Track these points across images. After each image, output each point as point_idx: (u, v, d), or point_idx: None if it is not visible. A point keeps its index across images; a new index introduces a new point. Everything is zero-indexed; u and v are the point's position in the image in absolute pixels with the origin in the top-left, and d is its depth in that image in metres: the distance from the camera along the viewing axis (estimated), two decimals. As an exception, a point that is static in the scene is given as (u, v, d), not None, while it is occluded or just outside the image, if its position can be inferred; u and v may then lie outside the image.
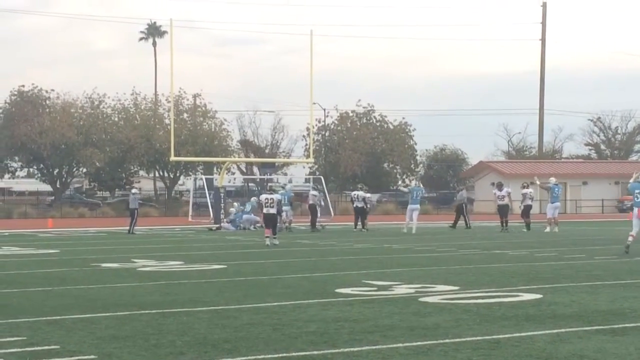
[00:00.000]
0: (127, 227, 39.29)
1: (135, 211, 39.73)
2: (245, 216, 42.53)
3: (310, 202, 40.05)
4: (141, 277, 18.09)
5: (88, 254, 25.16)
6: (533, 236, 33.70)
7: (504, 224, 37.99)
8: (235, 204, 45.26)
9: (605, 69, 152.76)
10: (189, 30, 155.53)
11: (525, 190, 39.64)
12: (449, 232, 37.13)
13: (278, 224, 31.13)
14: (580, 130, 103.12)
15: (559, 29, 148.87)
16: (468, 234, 36.18)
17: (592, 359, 9.02)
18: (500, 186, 40.61)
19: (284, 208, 39.10)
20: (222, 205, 44.92)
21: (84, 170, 76.46)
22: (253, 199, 43.98)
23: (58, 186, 74.94)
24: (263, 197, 30.70)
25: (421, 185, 45.04)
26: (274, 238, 28.78)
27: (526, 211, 39.19)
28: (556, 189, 38.20)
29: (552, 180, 38.91)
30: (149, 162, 75.48)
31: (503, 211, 38.61)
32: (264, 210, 29.41)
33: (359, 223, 39.06)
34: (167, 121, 71.65)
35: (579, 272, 18.43)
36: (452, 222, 41.45)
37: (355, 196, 40.16)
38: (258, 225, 40.45)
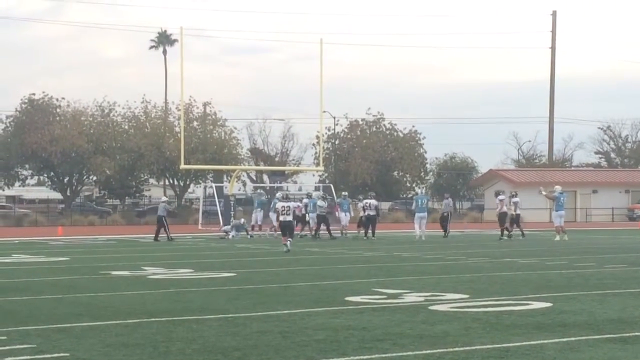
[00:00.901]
0: (153, 235, 39.67)
1: (163, 219, 39.67)
2: (234, 221, 42.53)
3: (317, 212, 40.07)
4: (151, 285, 18.11)
5: (98, 262, 25.20)
6: (543, 245, 33.60)
7: (502, 232, 38.00)
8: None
9: (615, 77, 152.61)
10: (199, 38, 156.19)
11: (515, 199, 39.63)
12: (458, 240, 37.05)
13: (305, 232, 32.68)
14: (590, 139, 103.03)
15: (569, 37, 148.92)
16: (474, 242, 36.10)
17: (602, 368, 9.00)
18: (497, 194, 40.82)
19: (310, 215, 39.56)
20: (232, 213, 44.99)
21: (94, 178, 76.65)
22: (264, 197, 43.92)
23: (68, 194, 75.10)
24: (279, 205, 31.73)
25: (424, 193, 45.23)
26: (287, 245, 29.55)
27: (514, 219, 39.21)
28: (562, 198, 38.28)
29: (558, 188, 38.92)
30: (159, 170, 75.56)
31: (500, 219, 38.61)
32: (281, 218, 30.57)
33: (369, 231, 38.99)
34: (177, 129, 71.75)
35: (589, 281, 18.39)
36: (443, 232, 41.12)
37: (368, 204, 40.04)
38: (246, 230, 41.01)
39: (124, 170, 73.76)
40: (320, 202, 40.43)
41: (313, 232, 40.37)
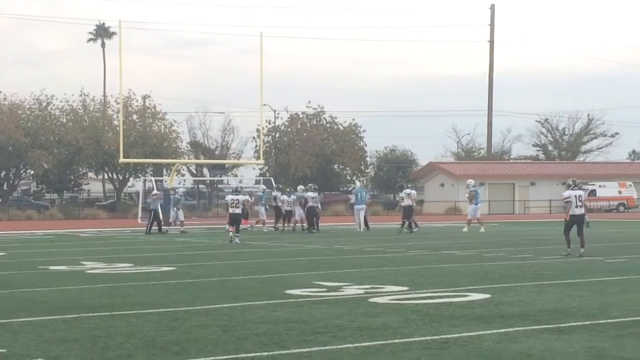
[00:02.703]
0: (144, 228, 40.27)
1: (153, 212, 40.16)
2: (172, 213, 42.20)
3: (310, 204, 39.88)
4: (90, 280, 17.96)
5: (36, 257, 24.90)
6: (483, 237, 33.87)
7: (403, 225, 38.11)
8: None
9: (553, 70, 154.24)
10: (139, 31, 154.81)
11: (409, 191, 39.89)
12: (399, 233, 37.19)
13: (292, 225, 36.93)
14: (528, 132, 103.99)
15: (508, 31, 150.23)
16: (417, 235, 36.29)
17: (540, 358, 9.10)
18: (403, 187, 41.22)
19: (295, 209, 39.41)
20: (172, 206, 44.75)
21: (32, 172, 75.72)
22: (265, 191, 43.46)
23: (5, 188, 74.17)
24: (229, 197, 33.02)
25: (363, 185, 45.32)
26: (237, 236, 31.03)
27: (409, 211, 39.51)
28: (477, 192, 39.65)
29: (471, 182, 39.97)
30: (97, 164, 74.95)
31: (405, 212, 38.71)
32: (230, 210, 31.81)
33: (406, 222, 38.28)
34: (116, 123, 71.20)
35: (527, 272, 18.60)
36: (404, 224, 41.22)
37: (407, 194, 39.27)
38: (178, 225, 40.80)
39: (62, 164, 72.97)
40: (311, 193, 40.15)
41: (302, 225, 40.11)
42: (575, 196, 23.06)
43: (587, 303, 13.31)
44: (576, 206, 23.05)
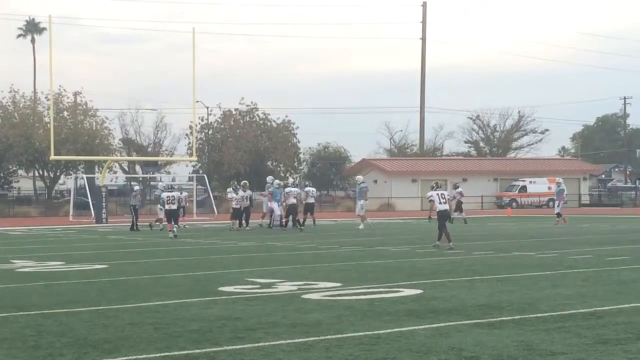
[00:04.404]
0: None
1: (132, 208, 40.57)
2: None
3: (311, 200, 39.73)
4: (20, 278, 17.74)
5: (-36, 256, 24.53)
6: (414, 233, 34.10)
7: (304, 221, 38.53)
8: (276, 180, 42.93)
9: (484, 68, 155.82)
10: (70, 27, 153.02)
11: (308, 189, 40.20)
12: (332, 229, 37.31)
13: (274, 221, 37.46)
14: (460, 128, 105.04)
15: (439, 28, 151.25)
16: (352, 231, 36.44)
17: (471, 352, 9.19)
18: (305, 185, 41.64)
19: (275, 205, 38.61)
20: (104, 204, 44.41)
21: (-39, 169, 74.54)
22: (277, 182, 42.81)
23: None
24: (165, 195, 34.32)
25: (295, 183, 45.47)
26: (174, 231, 32.73)
27: (307, 208, 39.93)
28: (367, 188, 40.74)
29: (360, 178, 40.70)
30: (28, 162, 73.91)
31: (306, 209, 39.42)
32: (166, 207, 33.48)
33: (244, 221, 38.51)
34: (47, 119, 70.27)
35: (459, 268, 18.77)
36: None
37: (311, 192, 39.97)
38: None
39: (-9, 162, 71.94)
40: (308, 188, 39.92)
41: (287, 221, 39.74)
42: (438, 194, 26.23)
43: (517, 298, 13.48)
44: (439, 203, 26.05)
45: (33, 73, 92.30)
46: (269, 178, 41.93)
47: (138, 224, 39.96)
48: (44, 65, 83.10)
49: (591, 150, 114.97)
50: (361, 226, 38.20)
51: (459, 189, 45.10)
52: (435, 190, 26.61)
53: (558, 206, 41.30)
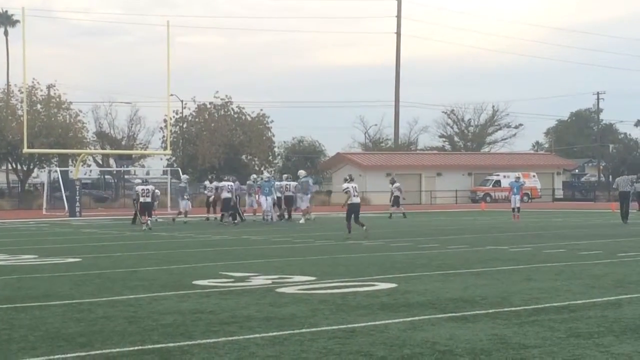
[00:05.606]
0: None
1: (134, 202, 39.95)
2: (183, 203, 41.50)
3: (308, 194, 39.98)
4: (-8, 272, 17.64)
5: (-64, 249, 24.37)
6: (387, 227, 34.16)
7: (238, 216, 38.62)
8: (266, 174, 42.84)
9: (459, 62, 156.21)
10: (43, 19, 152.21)
11: (290, 182, 40.63)
12: (306, 224, 37.38)
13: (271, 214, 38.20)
14: (435, 123, 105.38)
15: (414, 22, 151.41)
16: (322, 225, 36.48)
17: (444, 346, 9.21)
18: (233, 181, 41.71)
19: (265, 198, 38.75)
20: (78, 197, 44.20)
21: None
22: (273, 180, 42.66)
23: None
24: (139, 188, 35.43)
25: (271, 177, 45.69)
26: (148, 224, 33.45)
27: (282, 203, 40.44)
28: (309, 182, 41.25)
29: (302, 173, 40.91)
30: (1, 155, 73.58)
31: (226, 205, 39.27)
32: (141, 199, 34.57)
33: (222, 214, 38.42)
34: (20, 112, 69.93)
35: (433, 261, 18.81)
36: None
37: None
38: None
39: (-37, 155, 71.54)
40: (311, 180, 40.24)
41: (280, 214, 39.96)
42: (353, 187, 27.25)
43: (491, 291, 13.52)
44: (354, 195, 27.21)
45: (6, 66, 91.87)
46: (265, 175, 42.85)
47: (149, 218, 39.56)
48: (17, 58, 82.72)
49: (565, 145, 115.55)
50: (302, 220, 38.39)
51: (397, 184, 46.45)
52: (348, 182, 27.63)
53: (520, 200, 41.49)
